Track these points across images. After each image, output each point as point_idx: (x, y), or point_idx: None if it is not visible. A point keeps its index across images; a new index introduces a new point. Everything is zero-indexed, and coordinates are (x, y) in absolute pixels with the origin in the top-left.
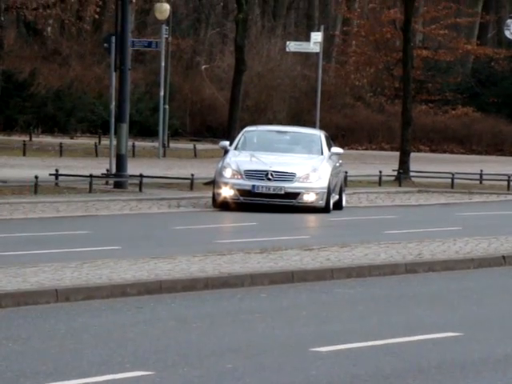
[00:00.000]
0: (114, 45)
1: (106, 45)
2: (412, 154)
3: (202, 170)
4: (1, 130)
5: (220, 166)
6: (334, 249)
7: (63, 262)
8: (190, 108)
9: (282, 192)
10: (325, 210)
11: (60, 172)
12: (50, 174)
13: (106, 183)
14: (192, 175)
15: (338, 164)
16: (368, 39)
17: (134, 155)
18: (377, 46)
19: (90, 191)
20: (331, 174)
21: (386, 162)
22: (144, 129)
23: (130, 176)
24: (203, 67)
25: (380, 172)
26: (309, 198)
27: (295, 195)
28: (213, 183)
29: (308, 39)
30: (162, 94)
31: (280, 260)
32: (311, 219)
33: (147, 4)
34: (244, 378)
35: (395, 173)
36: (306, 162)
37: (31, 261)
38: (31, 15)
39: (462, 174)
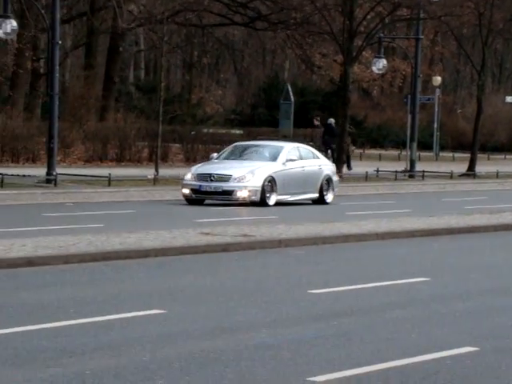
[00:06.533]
0: None
1: None
2: None
3: None
4: None
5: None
6: None
7: None
8: None
9: (220, 190)
10: (260, 204)
11: None
12: None
13: None
14: None
15: (302, 169)
16: None
17: None
18: None
19: None
20: (272, 176)
21: None
22: None
23: None
24: None
25: None
26: (242, 194)
27: (230, 192)
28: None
29: None
30: None
31: None
32: None
33: None
34: None
35: None
36: (246, 166)
37: None
38: None
39: None
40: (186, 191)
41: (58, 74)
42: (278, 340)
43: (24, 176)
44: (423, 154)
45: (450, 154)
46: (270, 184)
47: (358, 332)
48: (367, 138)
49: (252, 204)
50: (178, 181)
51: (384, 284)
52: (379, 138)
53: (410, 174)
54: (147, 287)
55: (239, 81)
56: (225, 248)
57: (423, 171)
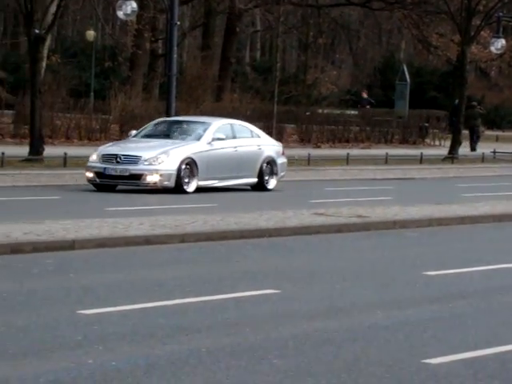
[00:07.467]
0: None
1: None
2: None
3: None
4: None
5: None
6: None
7: None
8: None
9: (127, 174)
10: (176, 190)
11: None
12: None
13: None
14: None
15: (234, 150)
16: None
17: None
18: None
19: None
20: (192, 157)
21: None
22: None
23: None
24: None
25: None
26: (152, 178)
27: (139, 177)
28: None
29: None
30: None
31: None
32: None
33: None
34: None
35: None
36: (161, 146)
37: None
38: None
39: None
40: (90, 175)
41: (175, 55)
42: (392, 321)
43: None
44: None
45: None
46: (189, 167)
47: (473, 315)
48: (484, 119)
49: (166, 191)
50: (293, 162)
51: (500, 267)
52: (496, 119)
53: None
54: (261, 267)
55: (354, 61)
56: (339, 229)
57: None
